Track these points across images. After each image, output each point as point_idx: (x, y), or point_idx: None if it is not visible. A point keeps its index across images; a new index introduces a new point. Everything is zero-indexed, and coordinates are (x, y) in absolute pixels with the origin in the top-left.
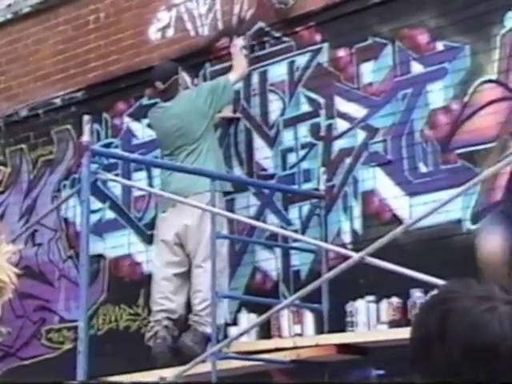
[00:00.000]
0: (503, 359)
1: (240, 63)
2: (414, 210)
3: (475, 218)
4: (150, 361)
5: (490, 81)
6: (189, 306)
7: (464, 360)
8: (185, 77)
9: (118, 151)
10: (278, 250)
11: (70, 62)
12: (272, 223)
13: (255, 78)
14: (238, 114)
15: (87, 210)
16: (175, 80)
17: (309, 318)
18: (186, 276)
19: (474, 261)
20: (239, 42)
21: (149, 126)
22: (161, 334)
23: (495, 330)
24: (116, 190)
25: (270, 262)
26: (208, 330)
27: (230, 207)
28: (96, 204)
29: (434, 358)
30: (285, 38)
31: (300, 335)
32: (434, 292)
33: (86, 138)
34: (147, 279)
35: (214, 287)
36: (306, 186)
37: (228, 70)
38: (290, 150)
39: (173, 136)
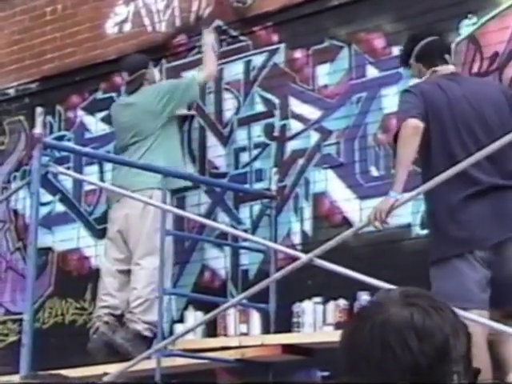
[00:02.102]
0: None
1: (209, 63)
2: (365, 214)
3: (424, 224)
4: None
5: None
6: None
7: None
8: (154, 72)
9: (71, 144)
10: (228, 249)
11: (25, 53)
12: (222, 222)
13: None
14: (192, 112)
15: (37, 203)
16: (142, 73)
17: (255, 317)
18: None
19: (422, 266)
20: (209, 39)
21: (103, 119)
22: (100, 329)
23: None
24: (67, 183)
25: (218, 260)
26: (139, 327)
27: (180, 204)
28: (46, 197)
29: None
30: (242, 37)
31: (246, 334)
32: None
33: (38, 129)
34: (95, 274)
35: (162, 284)
36: (258, 186)
37: (184, 67)
38: (243, 149)
39: (126, 131)
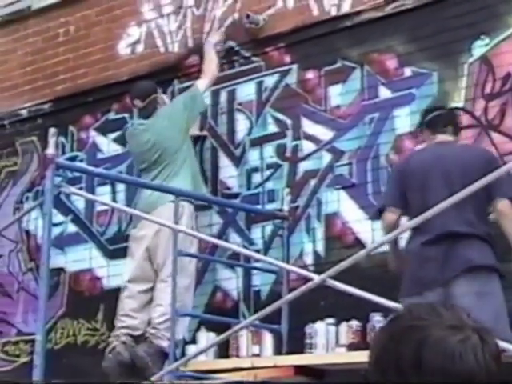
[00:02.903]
0: None
1: (210, 67)
2: (377, 234)
3: None
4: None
5: (457, 108)
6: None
7: None
8: (164, 97)
9: (83, 165)
10: (240, 270)
11: (38, 74)
12: (234, 242)
13: (223, 97)
14: (204, 132)
15: (49, 223)
16: (154, 98)
17: (268, 338)
18: (152, 292)
19: None
20: (214, 38)
21: (116, 140)
22: (117, 349)
23: (471, 359)
24: (79, 203)
25: (231, 281)
26: (164, 343)
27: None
28: (58, 217)
29: None
30: (254, 58)
31: (258, 356)
32: (397, 316)
33: (50, 150)
34: (107, 294)
35: (175, 304)
36: (270, 207)
37: None
38: (256, 169)
39: (149, 151)
